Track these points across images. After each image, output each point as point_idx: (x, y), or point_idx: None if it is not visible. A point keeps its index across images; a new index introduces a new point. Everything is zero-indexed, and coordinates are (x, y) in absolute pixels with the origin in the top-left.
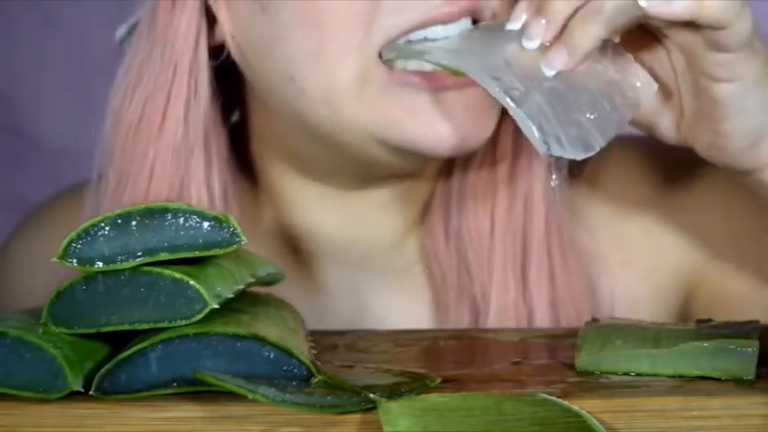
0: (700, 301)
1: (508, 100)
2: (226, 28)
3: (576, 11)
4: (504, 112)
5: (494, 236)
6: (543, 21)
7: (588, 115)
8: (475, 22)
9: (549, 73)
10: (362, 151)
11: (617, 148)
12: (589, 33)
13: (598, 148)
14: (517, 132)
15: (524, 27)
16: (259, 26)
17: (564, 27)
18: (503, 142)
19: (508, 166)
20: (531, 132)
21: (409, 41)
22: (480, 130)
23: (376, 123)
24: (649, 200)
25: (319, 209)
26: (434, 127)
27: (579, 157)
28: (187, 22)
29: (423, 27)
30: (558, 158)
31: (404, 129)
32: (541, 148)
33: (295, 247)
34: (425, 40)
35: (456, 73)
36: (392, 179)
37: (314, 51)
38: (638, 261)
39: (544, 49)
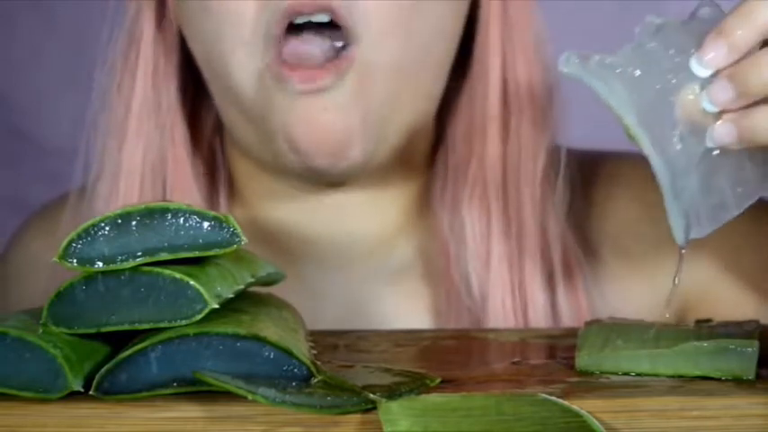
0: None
1: (670, 193)
2: (170, 5)
3: None
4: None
5: (491, 241)
6: (733, 90)
7: (732, 185)
8: (332, 23)
9: (711, 145)
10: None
11: (630, 164)
12: None
13: (730, 218)
14: (508, 139)
15: (711, 85)
16: (180, 9)
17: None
18: (490, 144)
19: (500, 173)
20: (678, 227)
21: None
22: (345, 154)
23: (268, 116)
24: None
25: (292, 209)
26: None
27: (708, 232)
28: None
29: (288, 17)
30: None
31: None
32: (681, 241)
33: (277, 250)
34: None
35: (631, 135)
36: (354, 181)
37: (214, 39)
38: (641, 273)
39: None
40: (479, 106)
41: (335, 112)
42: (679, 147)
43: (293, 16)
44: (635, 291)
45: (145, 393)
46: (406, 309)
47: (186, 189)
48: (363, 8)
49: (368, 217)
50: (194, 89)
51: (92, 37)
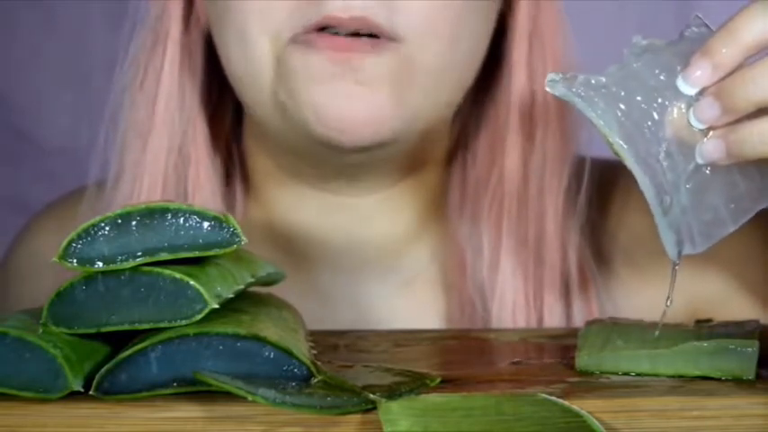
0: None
1: (658, 208)
2: (198, 4)
3: (759, 112)
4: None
5: (508, 252)
6: (719, 106)
7: (725, 201)
8: (372, 35)
9: (701, 161)
10: (287, 136)
11: None
12: (763, 150)
13: (726, 234)
14: (528, 155)
15: (697, 101)
16: (209, 6)
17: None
18: (511, 155)
19: (523, 185)
20: (669, 243)
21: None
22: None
23: (288, 107)
24: None
25: (308, 210)
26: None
27: (704, 248)
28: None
29: (321, 26)
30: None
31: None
32: (674, 256)
33: (289, 252)
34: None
35: (615, 152)
36: (364, 177)
37: (237, 37)
38: (652, 286)
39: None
40: (503, 118)
41: (366, 87)
42: (666, 164)
43: (326, 26)
44: (645, 303)
45: (145, 393)
46: (418, 315)
47: (207, 189)
48: (406, 17)
49: (382, 220)
50: (215, 90)
51: (92, 37)
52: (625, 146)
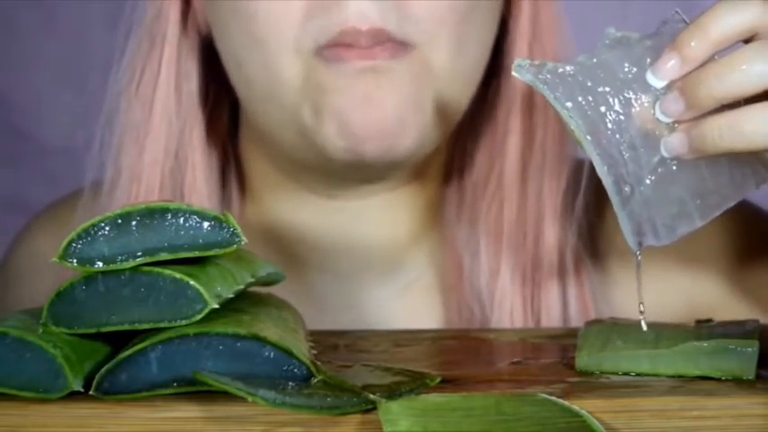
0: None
1: (616, 197)
2: (197, 5)
3: (724, 109)
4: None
5: (506, 256)
6: (683, 101)
7: (692, 196)
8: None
9: (666, 155)
10: (298, 150)
11: None
12: (722, 145)
13: (694, 229)
14: (527, 153)
15: (664, 96)
16: (212, 9)
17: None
18: (510, 157)
19: (522, 188)
20: (628, 232)
21: (547, 64)
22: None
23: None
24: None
25: (307, 215)
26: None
27: (669, 241)
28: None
29: (340, 38)
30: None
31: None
32: (634, 246)
33: (287, 255)
34: (564, 65)
35: (576, 140)
36: (368, 185)
37: (252, 44)
38: (647, 288)
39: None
40: (503, 120)
41: (390, 91)
42: (627, 155)
43: (346, 42)
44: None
45: (145, 393)
46: (416, 319)
47: (203, 192)
48: (416, 21)
49: (381, 224)
50: (211, 91)
51: (92, 37)
52: (587, 135)
